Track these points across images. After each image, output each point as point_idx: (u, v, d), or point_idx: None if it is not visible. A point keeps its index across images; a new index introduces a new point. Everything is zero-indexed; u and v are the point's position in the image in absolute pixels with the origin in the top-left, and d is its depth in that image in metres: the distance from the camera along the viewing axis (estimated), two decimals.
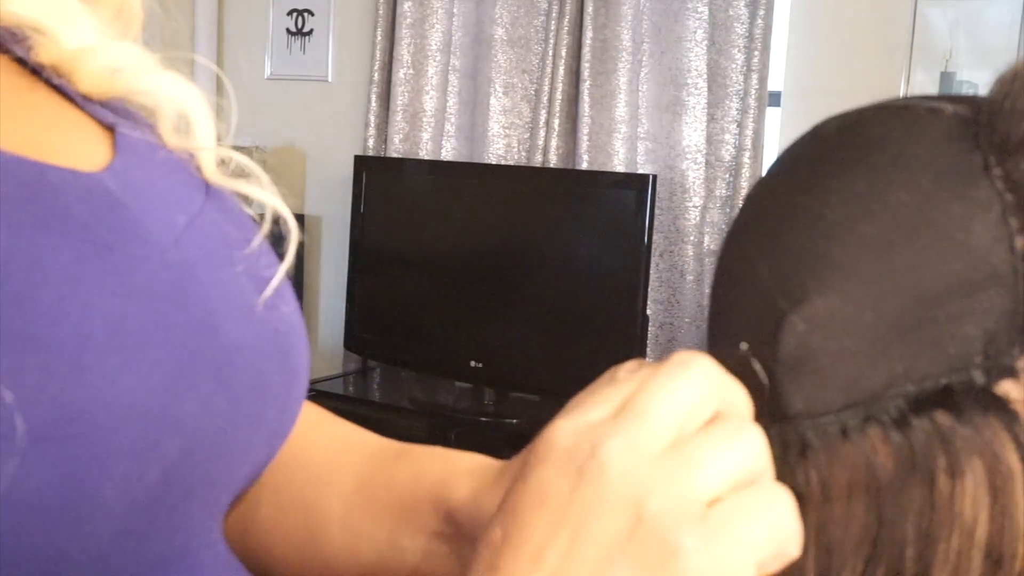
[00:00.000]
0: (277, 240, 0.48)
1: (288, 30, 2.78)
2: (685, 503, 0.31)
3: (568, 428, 0.33)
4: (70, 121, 0.43)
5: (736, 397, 0.34)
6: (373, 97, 2.56)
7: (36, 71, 0.43)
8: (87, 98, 0.45)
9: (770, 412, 0.38)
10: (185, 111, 0.46)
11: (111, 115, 0.45)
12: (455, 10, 2.47)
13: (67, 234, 0.36)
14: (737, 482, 0.32)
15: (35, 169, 0.37)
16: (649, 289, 2.20)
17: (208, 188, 0.46)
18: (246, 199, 0.49)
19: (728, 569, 0.31)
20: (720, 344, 0.42)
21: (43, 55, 0.43)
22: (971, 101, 0.38)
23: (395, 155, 2.53)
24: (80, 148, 0.42)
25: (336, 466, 0.53)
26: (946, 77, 2.16)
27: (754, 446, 0.33)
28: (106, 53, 0.45)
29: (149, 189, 0.42)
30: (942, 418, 0.35)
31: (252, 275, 0.45)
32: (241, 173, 0.48)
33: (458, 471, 0.48)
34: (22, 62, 0.43)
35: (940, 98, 0.39)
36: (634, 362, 0.43)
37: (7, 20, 0.42)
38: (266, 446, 0.46)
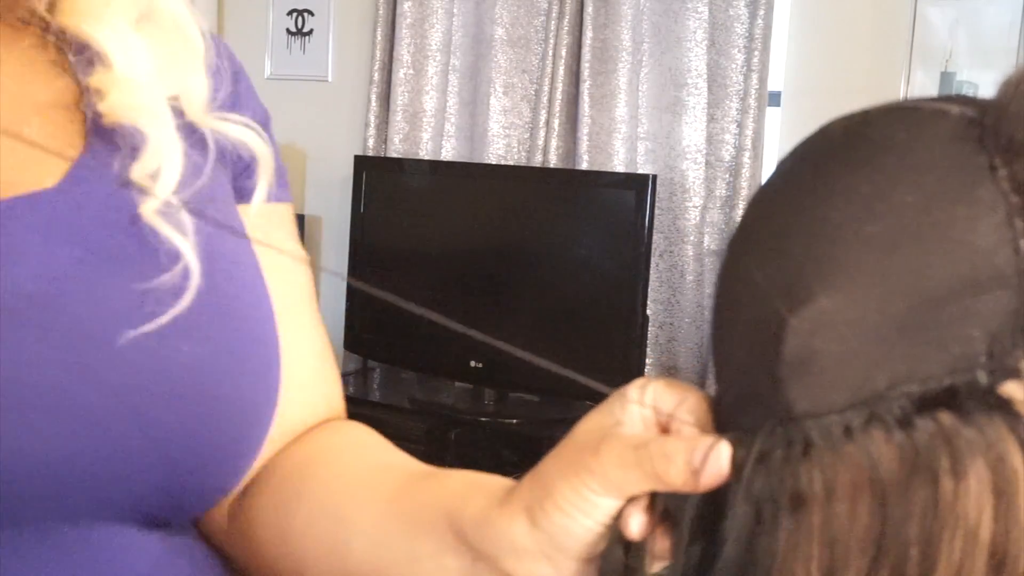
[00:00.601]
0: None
1: (288, 30, 2.78)
2: None
3: None
4: (59, 142, 0.49)
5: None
6: (373, 97, 2.56)
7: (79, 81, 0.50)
8: (105, 125, 0.50)
9: (774, 412, 0.38)
10: (161, 162, 0.50)
11: (102, 143, 0.50)
12: (455, 10, 2.47)
13: None
14: None
15: None
16: (649, 289, 2.20)
17: (130, 228, 0.49)
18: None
19: None
20: (722, 343, 0.42)
21: (95, 77, 0.49)
22: (977, 103, 0.38)
23: (395, 155, 2.53)
24: (40, 171, 0.47)
25: (372, 484, 0.55)
26: (946, 77, 2.17)
27: None
28: (131, 88, 0.50)
29: (49, 222, 0.46)
30: (945, 418, 0.35)
31: (142, 312, 0.47)
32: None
33: (475, 488, 0.49)
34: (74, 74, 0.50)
35: (946, 99, 0.39)
36: (642, 380, 0.44)
37: (81, 36, 0.49)
38: (180, 476, 0.49)
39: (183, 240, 0.49)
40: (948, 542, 0.34)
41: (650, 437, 0.42)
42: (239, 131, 0.55)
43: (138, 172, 0.50)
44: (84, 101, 0.50)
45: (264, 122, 0.61)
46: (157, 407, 0.47)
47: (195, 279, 0.49)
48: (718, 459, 0.39)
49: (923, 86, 2.18)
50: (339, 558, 0.54)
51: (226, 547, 0.60)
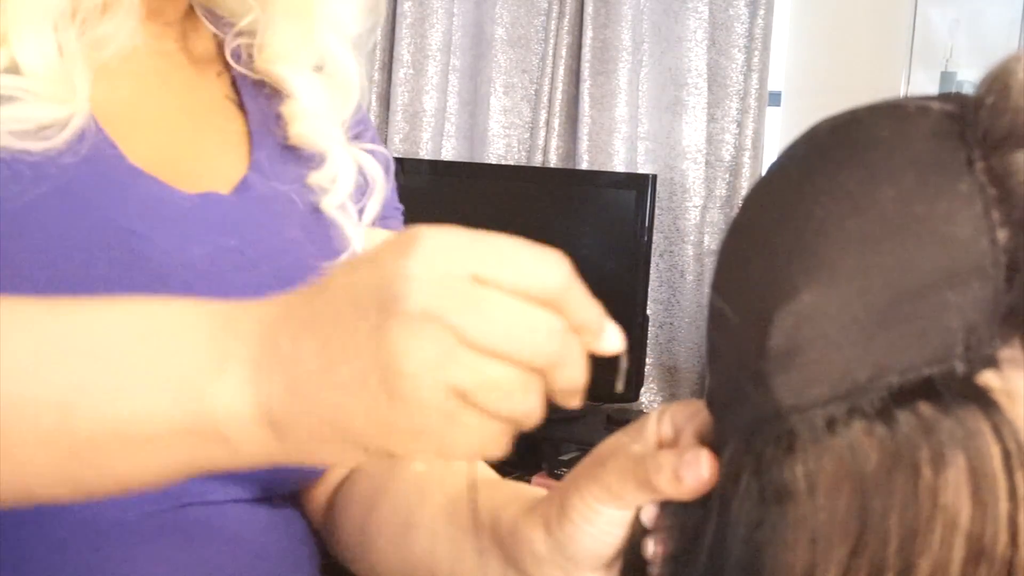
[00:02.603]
0: None
1: None
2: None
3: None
4: (233, 159, 0.64)
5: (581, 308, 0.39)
6: (373, 97, 2.56)
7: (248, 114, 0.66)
8: (287, 144, 0.66)
9: (761, 408, 0.38)
10: (338, 172, 0.66)
11: (269, 160, 0.65)
12: (455, 10, 2.48)
13: (99, 215, 0.53)
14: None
15: (132, 172, 0.56)
16: (649, 289, 2.20)
17: (282, 233, 0.63)
18: None
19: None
20: (713, 340, 0.43)
21: (285, 107, 0.66)
22: (958, 99, 0.38)
23: (395, 155, 2.53)
24: (218, 177, 0.61)
25: (438, 485, 0.60)
26: (946, 77, 2.17)
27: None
28: (314, 118, 0.66)
29: (224, 217, 0.59)
30: (925, 409, 0.35)
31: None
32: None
33: (515, 496, 0.53)
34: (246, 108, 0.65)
35: (930, 97, 0.40)
36: (664, 406, 0.46)
37: (283, 82, 0.66)
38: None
39: (356, 229, 0.65)
40: (929, 532, 0.35)
41: (651, 451, 0.44)
42: (365, 156, 0.70)
43: (317, 179, 0.65)
44: (252, 126, 0.64)
45: (386, 166, 0.73)
46: None
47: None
48: (698, 467, 0.41)
49: (923, 86, 2.18)
50: (405, 551, 0.59)
51: (324, 535, 0.68)
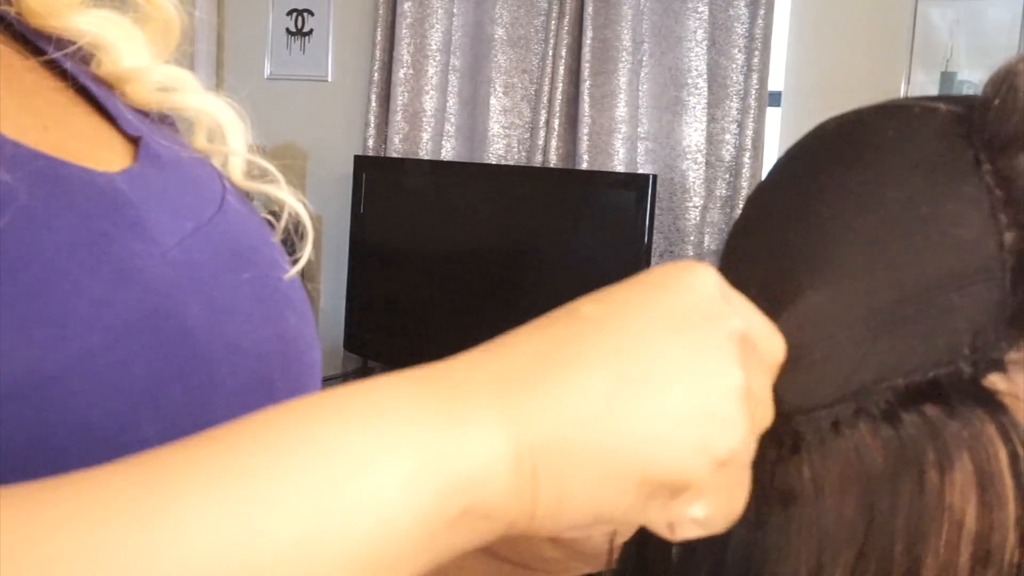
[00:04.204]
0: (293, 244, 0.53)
1: (288, 30, 2.78)
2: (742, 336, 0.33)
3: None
4: (101, 133, 0.48)
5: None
6: (373, 97, 2.56)
7: (83, 87, 0.48)
8: (134, 109, 0.51)
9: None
10: (219, 123, 0.53)
11: (143, 126, 0.50)
12: (455, 10, 2.48)
13: (67, 219, 0.39)
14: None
15: (50, 162, 0.41)
16: None
17: (223, 201, 0.50)
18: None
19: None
20: None
21: (103, 69, 0.50)
22: (965, 100, 0.38)
23: (395, 155, 2.53)
24: (105, 155, 0.46)
25: None
26: (946, 77, 2.17)
27: None
28: (157, 72, 0.52)
29: (161, 195, 0.46)
30: (931, 411, 0.35)
31: (260, 283, 0.47)
32: (263, 178, 0.54)
33: None
34: (70, 76, 0.48)
35: (937, 98, 0.39)
36: None
37: (82, 36, 0.49)
38: None
39: (287, 193, 0.53)
40: (935, 534, 0.35)
41: None
42: (213, 100, 0.57)
43: (205, 142, 0.53)
44: (90, 86, 0.49)
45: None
46: (276, 373, 0.46)
47: (310, 233, 0.52)
48: None
49: (923, 86, 2.18)
50: None
51: None
